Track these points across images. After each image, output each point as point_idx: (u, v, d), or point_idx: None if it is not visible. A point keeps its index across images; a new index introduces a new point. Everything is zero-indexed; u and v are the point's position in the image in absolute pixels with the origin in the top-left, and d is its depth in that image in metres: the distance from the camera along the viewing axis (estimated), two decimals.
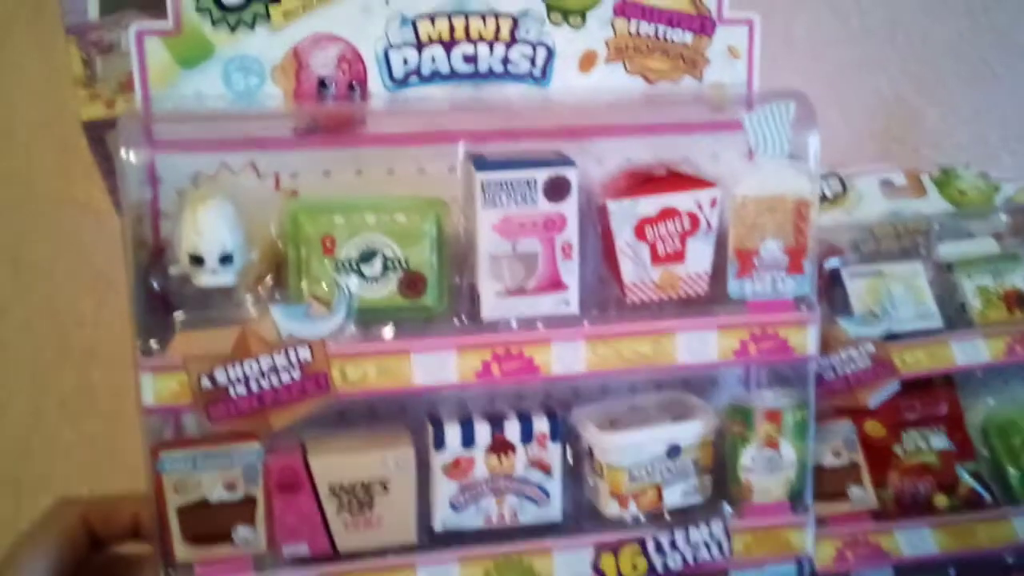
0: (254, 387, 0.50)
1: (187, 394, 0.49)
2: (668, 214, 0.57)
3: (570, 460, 0.58)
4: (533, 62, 0.59)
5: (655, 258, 0.57)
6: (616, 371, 0.55)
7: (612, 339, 0.55)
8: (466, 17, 0.58)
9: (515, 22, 0.58)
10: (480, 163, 0.55)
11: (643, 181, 0.58)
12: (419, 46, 0.57)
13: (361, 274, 0.53)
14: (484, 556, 0.53)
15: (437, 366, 0.52)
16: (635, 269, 0.57)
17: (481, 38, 0.58)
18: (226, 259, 0.52)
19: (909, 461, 0.71)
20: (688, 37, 0.61)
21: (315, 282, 0.53)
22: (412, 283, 0.54)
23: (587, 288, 0.57)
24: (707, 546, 0.56)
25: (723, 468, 0.60)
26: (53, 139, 0.78)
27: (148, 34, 0.55)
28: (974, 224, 0.82)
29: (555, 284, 0.55)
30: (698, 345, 0.56)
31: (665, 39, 0.61)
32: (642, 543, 0.55)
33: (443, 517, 0.53)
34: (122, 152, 0.51)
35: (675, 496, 0.57)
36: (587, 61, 0.60)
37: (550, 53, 0.59)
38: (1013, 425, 0.73)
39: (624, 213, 0.56)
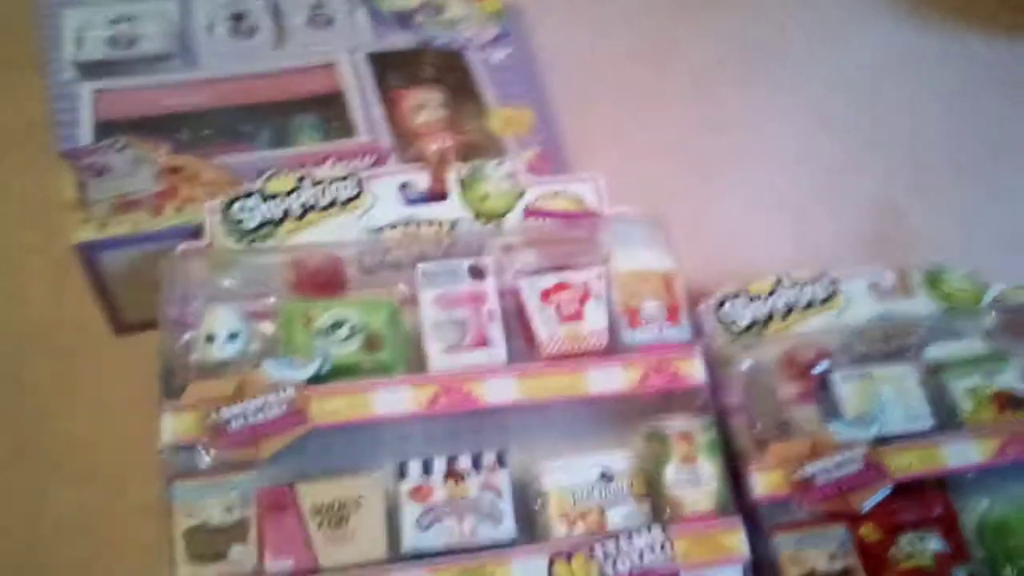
0: (249, 421, 0.89)
1: (197, 430, 0.89)
2: (565, 286, 1.02)
3: (519, 490, 0.94)
4: (470, 251, 1.05)
5: (560, 318, 1.00)
6: (541, 400, 0.95)
7: (536, 375, 0.96)
8: (417, 225, 1.05)
9: (452, 226, 1.06)
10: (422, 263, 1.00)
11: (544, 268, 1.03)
12: (384, 250, 1.04)
13: (333, 338, 0.95)
14: (449, 567, 0.88)
15: (394, 399, 0.92)
16: (546, 328, 1.00)
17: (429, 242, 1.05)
18: (232, 336, 0.94)
19: (904, 565, 0.96)
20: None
21: (297, 345, 0.94)
22: (372, 343, 0.95)
23: (512, 351, 0.99)
24: (651, 550, 0.90)
25: (656, 494, 0.95)
26: (47, 261, 1.15)
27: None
28: (964, 324, 1.11)
29: (485, 341, 0.98)
30: (606, 378, 0.97)
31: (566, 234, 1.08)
32: (591, 549, 0.89)
33: (410, 538, 0.89)
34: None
35: (617, 519, 0.92)
36: (508, 249, 1.06)
37: (481, 247, 1.05)
38: (1007, 526, 0.98)
39: (531, 287, 1.02)
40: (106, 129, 1.13)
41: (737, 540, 0.93)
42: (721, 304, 1.14)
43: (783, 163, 1.38)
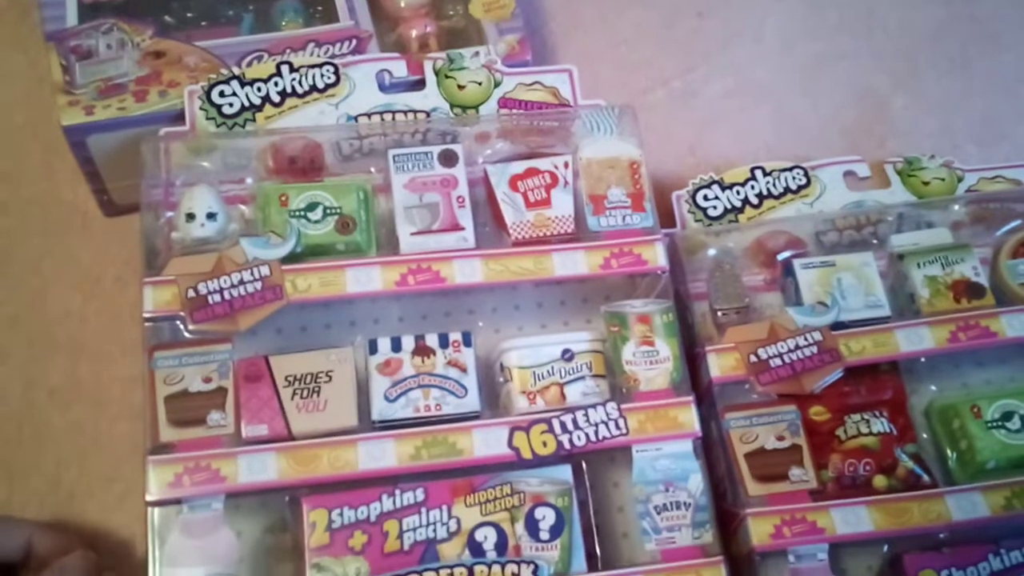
0: (227, 296, 0.99)
1: (177, 302, 0.99)
2: (533, 172, 1.11)
3: (484, 367, 1.04)
4: (444, 140, 1.13)
5: (528, 204, 1.09)
6: (507, 281, 1.04)
7: (502, 258, 1.05)
8: (393, 114, 1.14)
9: (428, 115, 1.14)
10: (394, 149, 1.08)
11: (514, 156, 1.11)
12: (360, 137, 1.12)
13: (307, 219, 1.04)
14: (415, 435, 0.98)
15: (365, 278, 1.02)
16: (514, 213, 1.09)
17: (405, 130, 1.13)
18: (211, 216, 1.03)
19: (850, 444, 1.05)
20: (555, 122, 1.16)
21: (273, 224, 1.03)
22: (345, 224, 1.04)
23: (481, 238, 1.08)
24: (606, 424, 1.00)
25: (614, 374, 1.04)
26: (39, 141, 1.25)
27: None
28: (936, 214, 1.17)
29: (455, 226, 1.07)
30: (570, 262, 1.06)
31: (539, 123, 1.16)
32: (549, 423, 0.99)
33: (379, 408, 0.99)
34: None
35: (576, 395, 1.02)
36: (482, 138, 1.14)
37: (455, 136, 1.13)
38: (953, 409, 1.07)
39: (500, 172, 1.10)
40: (91, 11, 1.20)
41: (688, 416, 1.04)
42: (695, 193, 1.23)
43: (768, 50, 1.44)
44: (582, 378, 1.05)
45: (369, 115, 1.15)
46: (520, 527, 0.98)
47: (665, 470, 1.02)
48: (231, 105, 1.13)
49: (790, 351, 1.08)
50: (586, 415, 1.02)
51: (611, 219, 1.11)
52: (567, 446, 1.01)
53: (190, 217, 1.03)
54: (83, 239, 1.23)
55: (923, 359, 1.11)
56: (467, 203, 1.09)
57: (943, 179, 1.25)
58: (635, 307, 1.07)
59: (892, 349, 1.09)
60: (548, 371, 1.05)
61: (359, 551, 0.96)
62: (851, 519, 1.02)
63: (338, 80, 1.16)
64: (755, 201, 1.23)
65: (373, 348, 1.03)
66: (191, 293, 1.00)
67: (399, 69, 1.18)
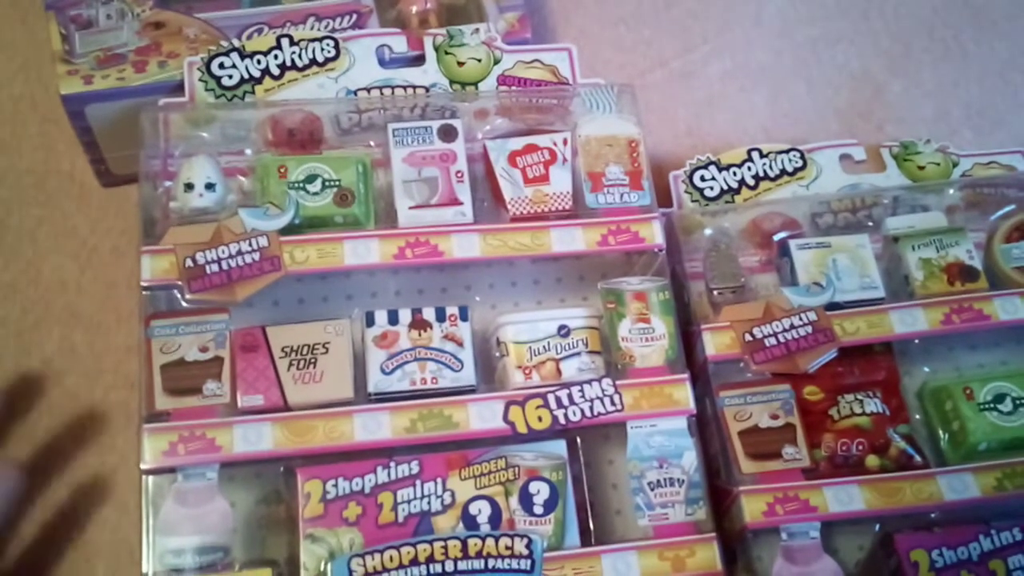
0: (224, 266, 0.98)
1: (175, 271, 0.98)
2: (532, 149, 1.10)
3: (481, 342, 1.04)
4: (443, 115, 1.12)
5: (526, 180, 1.09)
6: (504, 256, 1.04)
7: (500, 232, 1.05)
8: (392, 89, 1.13)
9: (427, 90, 1.13)
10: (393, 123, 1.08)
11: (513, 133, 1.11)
12: (359, 111, 1.11)
13: (306, 191, 1.04)
14: (410, 408, 0.98)
15: (363, 250, 1.01)
16: (512, 188, 1.08)
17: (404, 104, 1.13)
18: (210, 186, 1.02)
19: (843, 423, 1.05)
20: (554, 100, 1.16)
21: (272, 196, 1.03)
22: (343, 196, 1.04)
23: (479, 213, 1.08)
24: (601, 400, 1.00)
25: (609, 350, 1.04)
26: (37, 111, 1.25)
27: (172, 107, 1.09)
28: (931, 199, 1.18)
29: (453, 200, 1.06)
30: (568, 238, 1.06)
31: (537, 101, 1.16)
32: (544, 398, 0.99)
33: (375, 380, 0.98)
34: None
35: (571, 370, 1.02)
36: (481, 114, 1.14)
37: (454, 112, 1.12)
38: (945, 391, 1.07)
39: (499, 148, 1.10)
40: None
41: (683, 393, 1.03)
42: (692, 173, 1.22)
43: (767, 33, 1.45)
44: (578, 354, 1.05)
45: (368, 90, 1.15)
46: (514, 501, 0.98)
47: (659, 447, 1.02)
48: (230, 77, 1.13)
49: (785, 330, 1.08)
50: (581, 391, 1.02)
51: (609, 196, 1.11)
52: (562, 421, 1.00)
53: (188, 187, 1.03)
54: (80, 209, 1.23)
55: (917, 341, 1.11)
56: (466, 178, 1.09)
57: (938, 164, 1.25)
58: (631, 284, 1.07)
59: (886, 330, 1.09)
60: (544, 346, 1.04)
61: (353, 522, 0.95)
62: (843, 498, 1.02)
63: (338, 54, 1.15)
64: (751, 182, 1.22)
65: (370, 321, 1.02)
66: (189, 263, 0.99)
67: (399, 44, 1.18)
